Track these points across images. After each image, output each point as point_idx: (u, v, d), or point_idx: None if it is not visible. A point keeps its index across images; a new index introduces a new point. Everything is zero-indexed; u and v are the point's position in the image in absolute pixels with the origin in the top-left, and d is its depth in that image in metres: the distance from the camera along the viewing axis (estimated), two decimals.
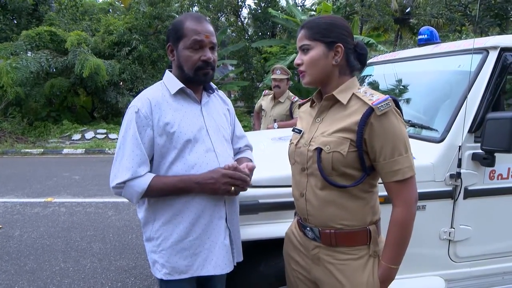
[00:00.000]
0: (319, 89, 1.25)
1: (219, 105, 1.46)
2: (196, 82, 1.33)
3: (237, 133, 1.54)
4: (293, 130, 1.32)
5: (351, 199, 1.14)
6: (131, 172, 1.21)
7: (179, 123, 1.27)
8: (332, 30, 1.14)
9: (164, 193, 1.26)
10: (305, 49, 1.16)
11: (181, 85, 1.31)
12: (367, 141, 1.09)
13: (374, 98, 1.09)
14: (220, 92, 1.51)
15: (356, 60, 1.19)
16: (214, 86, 1.44)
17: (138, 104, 1.26)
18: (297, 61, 1.19)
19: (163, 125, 1.25)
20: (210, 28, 1.29)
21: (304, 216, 1.23)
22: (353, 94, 1.14)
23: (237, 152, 1.53)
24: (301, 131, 1.25)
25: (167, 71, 1.38)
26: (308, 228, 1.23)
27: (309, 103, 1.32)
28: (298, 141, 1.24)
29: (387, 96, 1.09)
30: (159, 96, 1.30)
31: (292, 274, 1.34)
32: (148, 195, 1.26)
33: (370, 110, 1.07)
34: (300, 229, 1.29)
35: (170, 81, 1.33)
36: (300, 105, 1.42)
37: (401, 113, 1.13)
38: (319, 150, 1.12)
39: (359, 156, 1.10)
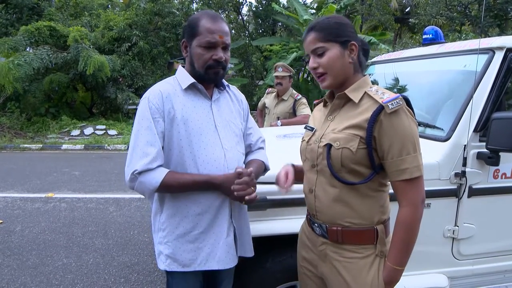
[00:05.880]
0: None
1: (230, 102, 1.46)
2: (206, 81, 1.34)
3: (248, 128, 1.53)
4: (305, 128, 1.34)
5: (359, 197, 1.15)
6: (146, 160, 1.22)
7: (187, 117, 1.29)
8: (343, 29, 1.15)
9: (177, 190, 1.27)
10: (320, 52, 1.15)
11: (192, 80, 1.33)
12: (377, 139, 1.10)
13: (385, 96, 1.10)
14: (233, 88, 1.51)
15: (363, 57, 1.22)
16: (225, 83, 1.45)
17: (150, 96, 1.29)
18: (312, 64, 1.17)
19: (172, 118, 1.27)
20: (225, 28, 1.30)
21: (313, 212, 1.25)
22: (365, 92, 1.15)
23: (248, 149, 1.52)
24: (314, 128, 1.27)
25: (180, 66, 1.40)
26: (316, 224, 1.24)
27: (322, 103, 1.33)
28: (310, 138, 1.26)
29: (398, 94, 1.10)
30: (171, 90, 1.32)
31: (300, 270, 1.37)
32: (161, 191, 1.28)
33: (380, 108, 1.08)
34: (309, 225, 1.31)
35: (182, 76, 1.35)
36: (315, 104, 1.43)
37: (413, 112, 1.13)
38: (328, 146, 1.14)
39: (368, 154, 1.10)
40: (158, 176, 1.23)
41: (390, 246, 1.14)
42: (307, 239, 1.32)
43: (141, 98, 1.32)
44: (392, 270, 1.12)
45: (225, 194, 1.30)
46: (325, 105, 1.30)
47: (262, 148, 1.56)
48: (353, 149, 1.09)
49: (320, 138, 1.19)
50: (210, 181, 1.27)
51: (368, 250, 1.16)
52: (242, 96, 1.54)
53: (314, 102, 1.44)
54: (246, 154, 1.51)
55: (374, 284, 1.14)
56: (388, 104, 1.06)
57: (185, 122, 1.28)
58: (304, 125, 1.37)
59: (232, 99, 1.48)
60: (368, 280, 1.14)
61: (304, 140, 1.30)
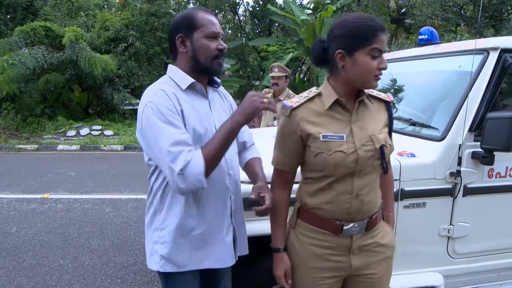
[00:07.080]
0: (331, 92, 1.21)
1: (221, 101, 1.46)
2: (211, 72, 1.33)
3: None
4: (327, 138, 1.17)
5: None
6: (181, 159, 1.13)
7: (192, 117, 1.26)
8: None
9: (220, 153, 1.21)
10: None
11: (191, 80, 1.29)
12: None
13: (383, 95, 1.31)
14: (221, 88, 1.50)
15: None
16: (218, 80, 1.44)
17: (154, 98, 1.20)
18: (386, 65, 1.16)
19: (182, 115, 1.23)
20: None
21: (353, 216, 1.21)
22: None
23: (242, 147, 1.52)
24: (343, 136, 1.18)
25: (170, 65, 1.34)
26: (355, 225, 1.22)
27: (318, 106, 1.21)
28: (347, 147, 1.17)
29: (387, 93, 1.34)
30: (172, 89, 1.26)
31: (318, 282, 1.28)
32: (210, 170, 1.19)
33: (389, 104, 1.30)
34: (333, 234, 1.24)
35: (179, 76, 1.30)
36: (293, 110, 1.20)
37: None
38: (382, 147, 1.21)
39: None
40: (197, 158, 1.15)
41: (389, 201, 1.39)
42: (328, 249, 1.25)
43: (144, 106, 1.21)
44: (393, 216, 1.42)
45: (252, 114, 1.21)
46: (330, 108, 1.20)
47: (253, 144, 1.58)
48: (391, 143, 1.27)
49: (366, 142, 1.18)
50: (230, 117, 1.23)
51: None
52: (229, 96, 1.54)
53: (290, 107, 1.21)
54: (241, 151, 1.51)
55: (393, 236, 1.37)
56: (393, 100, 1.29)
57: (190, 123, 1.25)
58: (321, 136, 1.18)
59: (223, 98, 1.47)
60: (391, 236, 1.35)
61: (340, 151, 1.16)
